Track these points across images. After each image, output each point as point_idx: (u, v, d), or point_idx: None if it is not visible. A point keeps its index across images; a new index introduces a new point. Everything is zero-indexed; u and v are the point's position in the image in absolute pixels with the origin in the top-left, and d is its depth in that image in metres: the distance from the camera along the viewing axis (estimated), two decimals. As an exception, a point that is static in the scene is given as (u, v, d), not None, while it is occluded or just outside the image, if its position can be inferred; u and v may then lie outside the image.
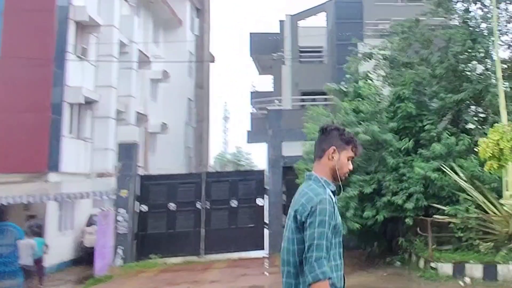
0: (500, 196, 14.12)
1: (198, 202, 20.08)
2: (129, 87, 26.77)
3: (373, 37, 20.73)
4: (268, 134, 19.23)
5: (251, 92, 33.56)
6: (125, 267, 19.00)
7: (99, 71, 24.64)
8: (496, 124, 14.25)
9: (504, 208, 13.92)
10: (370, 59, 18.21)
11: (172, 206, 20.03)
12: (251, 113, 24.45)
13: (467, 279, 13.26)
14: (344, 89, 17.53)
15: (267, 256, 19.42)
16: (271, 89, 31.47)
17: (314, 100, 23.33)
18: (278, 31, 31.07)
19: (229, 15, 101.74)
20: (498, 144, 13.66)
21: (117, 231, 19.46)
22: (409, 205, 15.26)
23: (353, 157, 4.01)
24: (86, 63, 23.88)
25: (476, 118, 16.13)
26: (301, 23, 30.12)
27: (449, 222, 14.38)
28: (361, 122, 16.38)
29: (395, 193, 15.69)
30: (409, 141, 15.92)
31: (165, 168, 27.88)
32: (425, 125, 16.35)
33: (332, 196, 3.76)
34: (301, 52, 29.84)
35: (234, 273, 16.76)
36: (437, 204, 15.22)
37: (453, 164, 15.38)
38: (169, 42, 31.62)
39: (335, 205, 3.75)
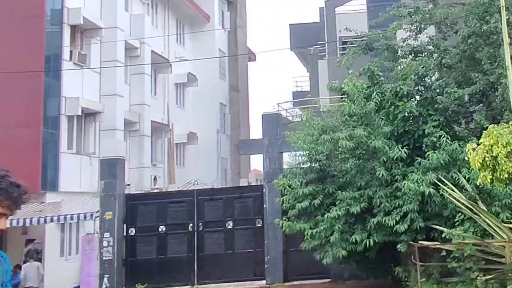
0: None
1: (190, 223, 19.13)
2: (142, 94, 26.34)
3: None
4: (263, 144, 18.00)
5: (293, 92, 32.30)
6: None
7: (104, 79, 24.36)
8: (494, 125, 12.36)
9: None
10: (371, 50, 16.67)
11: (162, 228, 19.17)
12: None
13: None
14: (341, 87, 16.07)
15: (266, 286, 18.17)
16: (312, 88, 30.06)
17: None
18: (318, 20, 29.64)
19: (268, 5, 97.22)
20: (491, 150, 11.81)
21: (102, 257, 18.89)
22: (402, 227, 13.76)
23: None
24: (88, 71, 23.70)
25: (486, 117, 14.18)
26: (340, 9, 28.44)
27: (440, 249, 12.68)
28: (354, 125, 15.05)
29: (387, 213, 14.28)
30: (403, 148, 14.28)
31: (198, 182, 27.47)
32: (429, 128, 14.66)
33: None
34: (344, 43, 28.19)
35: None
36: (438, 225, 13.81)
37: (459, 175, 13.61)
38: (195, 41, 30.96)
39: None
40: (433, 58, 16.02)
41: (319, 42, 28.30)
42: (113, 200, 19.06)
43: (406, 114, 15.03)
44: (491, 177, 11.97)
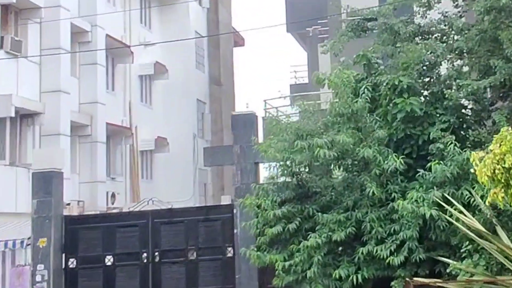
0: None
1: (144, 253, 18.86)
2: (95, 90, 26.10)
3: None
4: (234, 152, 17.68)
5: (291, 86, 32.06)
6: None
7: (45, 72, 24.17)
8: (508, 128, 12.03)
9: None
10: (364, 32, 16.43)
11: (109, 259, 18.92)
12: (263, 118, 22.76)
13: None
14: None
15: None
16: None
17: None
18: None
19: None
20: (503, 160, 11.43)
21: (35, 295, 18.67)
22: (397, 259, 13.54)
23: None
24: (24, 61, 23.48)
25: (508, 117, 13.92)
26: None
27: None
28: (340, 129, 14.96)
29: (381, 240, 14.04)
30: (401, 157, 14.05)
31: (170, 200, 27.26)
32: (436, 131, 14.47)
33: None
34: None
35: None
36: (445, 256, 13.58)
37: (472, 192, 13.32)
38: (165, 22, 30.75)
39: None
40: (444, 41, 15.73)
41: (319, 22, 27.93)
42: (48, 224, 18.75)
43: (408, 114, 14.70)
44: (503, 195, 11.62)
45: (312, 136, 14.51)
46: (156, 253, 18.87)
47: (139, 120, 29.91)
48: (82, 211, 24.20)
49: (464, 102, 14.80)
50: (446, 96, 14.58)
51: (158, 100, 31.94)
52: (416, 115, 14.72)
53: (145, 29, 31.55)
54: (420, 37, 16.19)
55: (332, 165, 15.17)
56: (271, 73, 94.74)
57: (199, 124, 33.43)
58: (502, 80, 14.24)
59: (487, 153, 11.85)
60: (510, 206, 11.98)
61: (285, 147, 14.92)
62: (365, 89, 14.80)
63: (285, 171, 15.28)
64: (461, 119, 15.19)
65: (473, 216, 13.07)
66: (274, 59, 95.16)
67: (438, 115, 14.81)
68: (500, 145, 11.62)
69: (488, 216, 12.96)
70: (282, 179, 15.78)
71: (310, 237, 14.21)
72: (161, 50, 31.23)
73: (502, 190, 11.55)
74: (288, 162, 15.03)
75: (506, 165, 11.30)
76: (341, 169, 15.25)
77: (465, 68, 15.31)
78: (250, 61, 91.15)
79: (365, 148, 14.09)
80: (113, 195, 27.32)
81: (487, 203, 11.87)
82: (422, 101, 15.11)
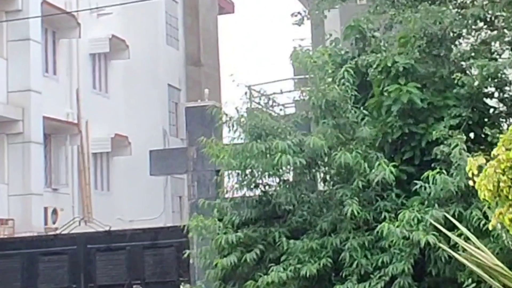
0: None
1: (73, 289, 19.10)
2: (27, 74, 26.10)
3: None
4: (188, 156, 17.62)
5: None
6: None
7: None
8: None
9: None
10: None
11: (28, 298, 19.21)
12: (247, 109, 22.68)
13: None
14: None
15: None
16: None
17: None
18: None
19: None
20: (510, 170, 11.16)
21: None
22: None
23: None
24: None
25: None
26: None
27: None
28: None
29: (365, 276, 13.91)
30: (389, 166, 13.98)
31: (133, 218, 27.32)
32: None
33: None
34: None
35: None
36: None
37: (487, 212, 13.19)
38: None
39: None
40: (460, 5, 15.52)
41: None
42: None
43: (406, 106, 14.56)
44: (511, 216, 11.38)
45: (274, 137, 14.37)
46: (90, 291, 19.08)
47: (91, 113, 29.80)
48: (12, 233, 24.24)
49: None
50: (457, 82, 14.31)
51: (117, 86, 31.85)
52: (418, 107, 14.58)
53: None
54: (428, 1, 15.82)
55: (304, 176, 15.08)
56: (269, 48, 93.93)
57: (172, 117, 33.41)
58: None
59: (490, 159, 11.60)
60: (525, 231, 11.79)
61: (240, 150, 14.82)
62: (345, 73, 14.56)
63: (244, 183, 15.14)
64: (480, 113, 14.97)
65: (487, 244, 12.90)
66: (272, 30, 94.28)
67: (447, 107, 14.68)
68: (509, 149, 11.37)
69: (506, 244, 12.78)
70: (242, 192, 15.66)
71: (273, 270, 14.07)
72: (119, 20, 31.20)
73: (510, 209, 11.31)
74: (247, 171, 14.92)
75: (510, 176, 11.06)
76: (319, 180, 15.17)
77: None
78: (241, 33, 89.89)
79: (342, 153, 13.90)
80: (54, 212, 27.25)
81: (490, 227, 11.68)
82: (426, 88, 15.00)
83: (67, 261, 19.41)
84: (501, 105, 15.58)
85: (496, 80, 14.55)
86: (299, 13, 17.88)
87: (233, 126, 15.51)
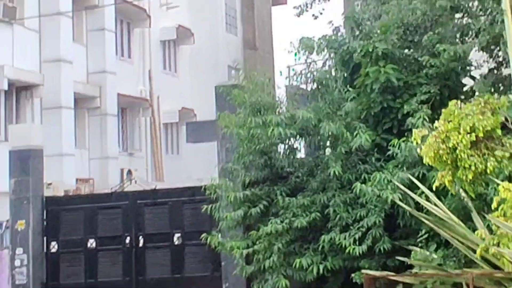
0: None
1: (127, 236, 19.25)
2: (102, 58, 26.53)
3: None
4: (216, 127, 17.67)
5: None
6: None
7: (44, 40, 24.69)
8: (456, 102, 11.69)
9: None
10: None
11: (91, 243, 19.41)
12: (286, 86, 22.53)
13: None
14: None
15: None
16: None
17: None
18: None
19: None
20: (448, 139, 11.12)
21: (14, 281, 19.22)
22: (358, 249, 13.43)
23: None
24: (20, 28, 24.02)
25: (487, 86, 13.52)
26: None
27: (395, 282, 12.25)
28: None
29: (346, 228, 13.88)
30: (364, 134, 13.96)
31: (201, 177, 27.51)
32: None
33: None
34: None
35: None
36: (414, 245, 13.17)
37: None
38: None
39: None
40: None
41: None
42: (26, 205, 19.29)
43: (385, 85, 14.46)
44: (450, 178, 11.36)
45: (270, 111, 14.48)
46: (140, 237, 19.20)
47: (162, 90, 30.11)
48: (92, 190, 24.65)
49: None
50: (425, 63, 14.23)
51: (184, 67, 32.10)
52: (394, 85, 14.47)
53: (167, -10, 31.81)
54: None
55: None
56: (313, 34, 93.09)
57: (231, 93, 33.45)
58: (484, 44, 13.82)
59: (431, 130, 11.59)
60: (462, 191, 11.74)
61: (243, 123, 14.91)
62: (335, 57, 14.68)
63: (252, 149, 15.16)
64: (451, 89, 14.76)
65: (446, 201, 12.88)
66: (324, 20, 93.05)
67: (420, 85, 14.51)
68: (449, 121, 11.33)
69: (463, 201, 12.71)
70: (251, 157, 15.71)
71: (271, 223, 14.17)
72: (186, 12, 31.49)
73: (449, 172, 11.30)
74: (254, 139, 15.00)
75: (450, 145, 11.02)
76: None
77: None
78: (294, 22, 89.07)
79: (327, 123, 13.93)
80: (129, 172, 27.70)
81: (434, 187, 11.68)
82: (402, 68, 14.86)
83: (121, 214, 19.39)
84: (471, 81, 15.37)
85: (460, 61, 14.32)
86: (300, 6, 17.72)
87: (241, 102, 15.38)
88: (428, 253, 12.43)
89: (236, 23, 34.45)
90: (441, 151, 11.10)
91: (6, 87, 22.97)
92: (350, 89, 15.11)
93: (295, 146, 15.45)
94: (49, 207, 19.75)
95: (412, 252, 12.62)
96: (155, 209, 19.36)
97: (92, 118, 27.00)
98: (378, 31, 15.36)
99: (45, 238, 19.61)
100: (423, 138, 11.44)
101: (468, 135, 10.97)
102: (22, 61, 23.97)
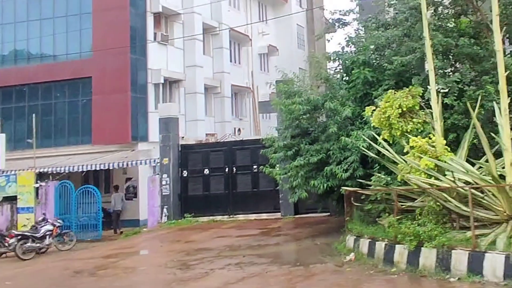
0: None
1: (226, 167, 20.25)
2: (221, 64, 27.37)
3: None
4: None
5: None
6: (168, 223, 20.03)
7: (186, 54, 25.67)
8: (392, 90, 11.99)
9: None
10: (345, 25, 16.29)
11: (206, 171, 20.46)
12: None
13: (352, 255, 11.52)
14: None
15: (280, 217, 18.94)
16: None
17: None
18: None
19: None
20: (385, 112, 11.55)
21: (162, 193, 20.50)
22: (344, 174, 13.79)
23: None
24: (171, 47, 25.05)
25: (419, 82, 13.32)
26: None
27: (362, 194, 12.55)
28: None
29: (339, 163, 14.22)
30: (349, 107, 14.24)
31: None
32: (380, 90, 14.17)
33: None
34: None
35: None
36: (378, 173, 13.08)
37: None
38: (276, 21, 31.19)
39: None
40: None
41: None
42: (168, 150, 20.53)
43: (366, 80, 14.52)
44: (388, 134, 11.77)
45: (299, 96, 14.89)
46: (234, 168, 20.20)
47: (259, 82, 30.66)
48: (216, 140, 25.51)
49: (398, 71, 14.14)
50: (386, 67, 14.24)
51: (272, 69, 32.46)
52: (370, 80, 14.49)
53: (263, 23, 32.16)
54: (383, 28, 15.51)
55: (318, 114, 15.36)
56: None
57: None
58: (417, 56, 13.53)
59: (376, 107, 11.99)
60: (393, 142, 11.98)
61: (280, 102, 15.32)
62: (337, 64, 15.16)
63: (288, 117, 15.37)
64: (399, 83, 14.12)
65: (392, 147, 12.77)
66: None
67: (385, 80, 14.34)
68: (387, 102, 11.75)
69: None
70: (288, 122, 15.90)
71: (297, 160, 14.72)
72: (274, 36, 31.89)
73: (387, 131, 11.69)
74: (293, 112, 15.04)
75: (386, 115, 11.45)
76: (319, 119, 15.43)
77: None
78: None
79: (328, 102, 14.32)
80: (238, 130, 28.53)
81: (380, 139, 12.00)
82: (373, 71, 14.58)
83: (223, 154, 20.44)
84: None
85: (406, 67, 14.07)
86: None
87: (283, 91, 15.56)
88: (380, 176, 12.54)
89: (304, 43, 34.49)
90: (381, 119, 11.56)
91: (162, 81, 24.07)
92: (345, 82, 15.30)
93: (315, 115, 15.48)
94: (182, 150, 20.88)
95: (373, 177, 12.75)
96: (242, 151, 20.21)
97: (216, 99, 27.84)
98: (361, 49, 15.36)
99: (180, 169, 20.73)
100: (373, 112, 11.90)
101: (397, 110, 11.40)
102: (172, 67, 24.98)
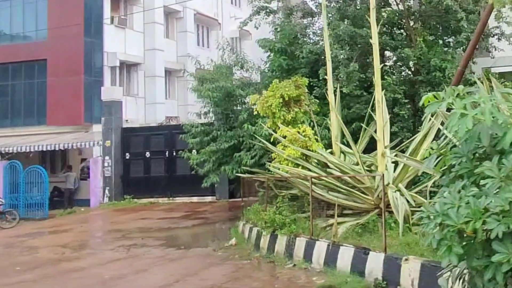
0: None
1: (166, 151, 20.52)
2: (185, 47, 27.45)
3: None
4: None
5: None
6: (109, 204, 20.46)
7: (146, 38, 25.80)
8: (277, 80, 12.21)
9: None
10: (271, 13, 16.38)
11: (147, 154, 20.76)
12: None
13: (233, 240, 11.83)
14: None
15: (216, 200, 19.35)
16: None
17: None
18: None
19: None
20: (268, 101, 11.79)
21: (104, 175, 20.86)
22: (251, 162, 14.06)
23: None
24: (130, 30, 25.14)
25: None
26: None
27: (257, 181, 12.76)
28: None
29: (248, 150, 14.60)
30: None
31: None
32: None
33: None
34: None
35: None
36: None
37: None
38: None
39: None
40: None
41: None
42: (110, 132, 20.83)
43: (281, 67, 14.76)
44: (271, 123, 12.01)
45: (211, 82, 15.10)
46: (174, 151, 20.41)
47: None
48: (177, 122, 25.61)
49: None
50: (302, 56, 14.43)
51: (249, 53, 32.41)
52: (286, 67, 14.72)
53: (235, 7, 32.09)
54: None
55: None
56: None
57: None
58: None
59: (260, 96, 12.22)
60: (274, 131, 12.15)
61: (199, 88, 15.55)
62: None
63: (208, 103, 15.77)
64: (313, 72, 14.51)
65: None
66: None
67: (300, 68, 14.66)
68: (272, 91, 11.98)
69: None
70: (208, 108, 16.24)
71: (210, 145, 15.00)
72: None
73: (270, 120, 11.94)
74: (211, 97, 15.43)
75: (267, 104, 11.70)
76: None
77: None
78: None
79: (238, 89, 14.52)
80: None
81: (266, 127, 12.20)
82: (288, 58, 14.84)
83: (163, 138, 20.74)
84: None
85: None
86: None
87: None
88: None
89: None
90: (264, 108, 11.80)
91: (118, 64, 24.21)
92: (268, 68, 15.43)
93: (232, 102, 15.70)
94: (125, 133, 21.12)
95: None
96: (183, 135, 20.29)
97: (180, 83, 27.89)
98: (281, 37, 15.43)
99: (122, 151, 21.04)
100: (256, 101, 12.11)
101: (279, 99, 11.62)
102: (131, 50, 25.10)
